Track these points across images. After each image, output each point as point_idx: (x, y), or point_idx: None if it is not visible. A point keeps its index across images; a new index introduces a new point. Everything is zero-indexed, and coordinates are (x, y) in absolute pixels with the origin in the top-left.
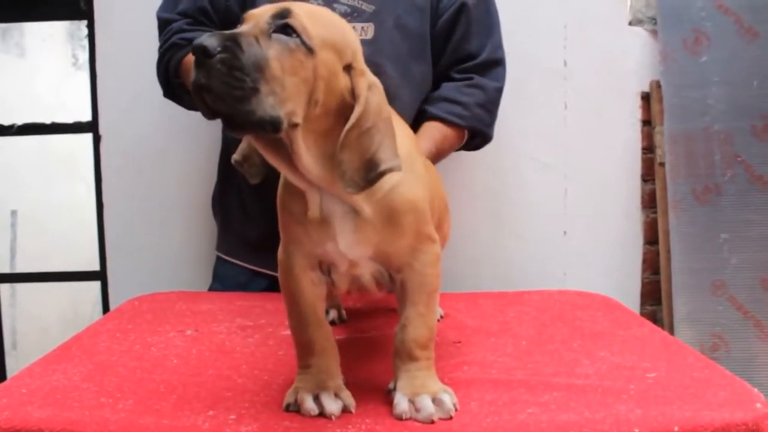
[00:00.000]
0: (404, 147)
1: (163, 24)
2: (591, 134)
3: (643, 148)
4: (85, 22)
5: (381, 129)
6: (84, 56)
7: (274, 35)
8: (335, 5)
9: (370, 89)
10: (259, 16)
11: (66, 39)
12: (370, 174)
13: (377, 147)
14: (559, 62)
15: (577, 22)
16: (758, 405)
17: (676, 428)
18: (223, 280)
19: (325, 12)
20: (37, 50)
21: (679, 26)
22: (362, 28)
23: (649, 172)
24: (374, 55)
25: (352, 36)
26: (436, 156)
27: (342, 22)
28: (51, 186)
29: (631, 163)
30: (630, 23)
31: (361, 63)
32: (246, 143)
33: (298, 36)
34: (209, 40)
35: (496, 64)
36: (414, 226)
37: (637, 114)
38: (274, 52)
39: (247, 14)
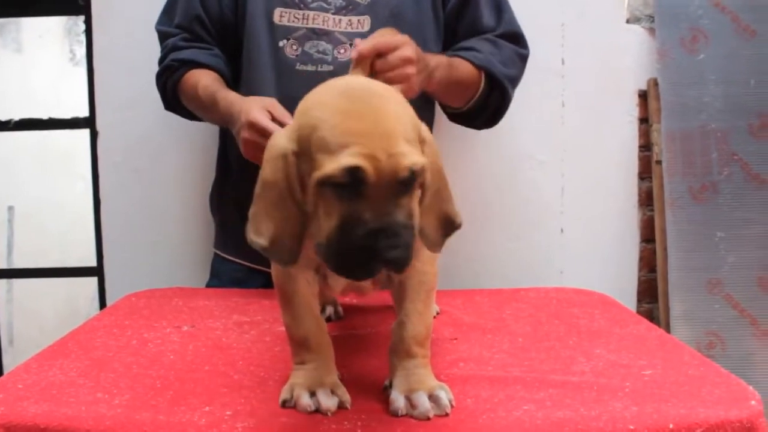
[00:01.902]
0: None
1: (162, 37)
2: (588, 132)
3: (640, 146)
4: (82, 18)
5: (444, 184)
6: (81, 52)
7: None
8: (330, 0)
9: (428, 147)
10: (392, 173)
11: (63, 34)
12: (448, 232)
13: (446, 204)
14: (556, 60)
15: (575, 21)
16: (753, 402)
17: (671, 425)
18: (221, 276)
19: (406, 113)
20: (34, 46)
21: (676, 24)
22: (358, 21)
23: (646, 170)
24: None
25: (413, 114)
26: (449, 70)
27: (409, 109)
28: (48, 182)
29: (628, 161)
30: (627, 21)
31: (421, 130)
32: (273, 226)
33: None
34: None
35: (515, 36)
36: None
37: (635, 112)
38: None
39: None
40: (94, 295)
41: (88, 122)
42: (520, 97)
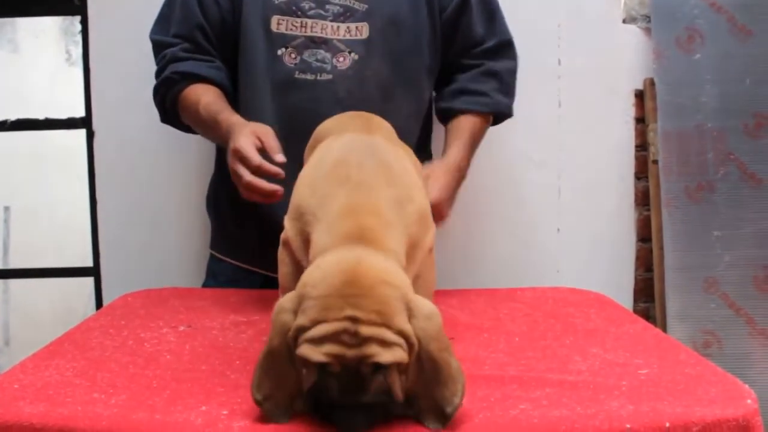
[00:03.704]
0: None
1: (158, 47)
2: (584, 132)
3: (637, 146)
4: (78, 18)
5: (442, 365)
6: (77, 52)
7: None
8: (328, 6)
9: (419, 323)
10: (356, 368)
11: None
12: (439, 418)
13: (439, 388)
14: (552, 60)
15: (571, 21)
16: (749, 401)
17: (667, 424)
18: (217, 277)
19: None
20: (30, 46)
21: (672, 24)
22: (356, 27)
23: (643, 169)
24: (369, 55)
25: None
26: (472, 146)
27: (399, 290)
28: (44, 182)
29: (625, 161)
30: (624, 21)
31: (413, 306)
32: (266, 377)
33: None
34: None
35: (506, 45)
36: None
37: (631, 112)
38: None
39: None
40: (91, 295)
41: (84, 122)
42: (516, 96)
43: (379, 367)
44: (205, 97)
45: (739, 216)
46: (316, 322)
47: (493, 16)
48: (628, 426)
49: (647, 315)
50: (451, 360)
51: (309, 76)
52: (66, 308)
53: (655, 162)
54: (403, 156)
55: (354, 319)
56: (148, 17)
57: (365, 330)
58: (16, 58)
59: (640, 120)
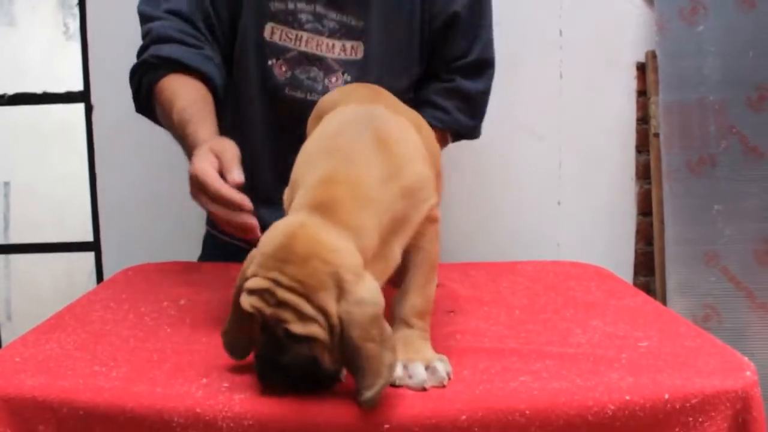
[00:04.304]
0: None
1: (144, 20)
2: (586, 104)
3: (638, 119)
4: None
5: (367, 349)
6: (75, 25)
7: None
8: (325, 21)
9: (348, 303)
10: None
11: (57, 7)
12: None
13: (360, 373)
14: (554, 32)
15: None
16: (748, 373)
17: (666, 395)
18: (212, 250)
19: None
20: (27, 19)
21: None
22: (351, 47)
23: (644, 142)
24: (364, 73)
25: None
26: None
27: (338, 261)
28: (43, 156)
29: (626, 134)
30: None
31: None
32: (232, 316)
33: None
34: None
35: (485, 64)
36: (425, 212)
37: (632, 84)
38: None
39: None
40: (92, 269)
41: (83, 96)
42: (517, 69)
43: (295, 336)
44: (183, 97)
45: (740, 190)
46: (252, 275)
47: (480, 32)
48: (627, 398)
49: (647, 288)
50: (382, 353)
51: (299, 94)
52: (67, 283)
53: (657, 135)
54: (404, 125)
55: (276, 282)
56: None
57: (282, 294)
58: (13, 31)
59: (642, 92)
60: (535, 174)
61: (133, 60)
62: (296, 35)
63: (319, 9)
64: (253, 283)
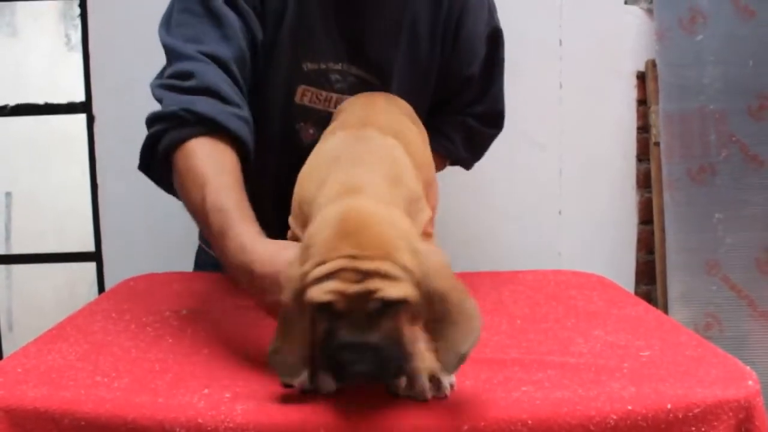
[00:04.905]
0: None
1: (173, 56)
2: (586, 114)
3: (639, 128)
4: (77, 2)
5: (451, 306)
6: (77, 36)
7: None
8: (349, 78)
9: (422, 263)
10: (362, 305)
11: (59, 18)
12: (453, 359)
13: (451, 327)
14: (554, 41)
15: (573, 1)
16: (750, 382)
17: (668, 405)
18: (203, 267)
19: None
20: (29, 30)
21: (675, 5)
22: None
23: (644, 151)
24: None
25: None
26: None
27: (402, 228)
28: (45, 167)
29: (626, 143)
30: (626, 2)
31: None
32: (280, 334)
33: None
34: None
35: (496, 114)
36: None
37: (633, 93)
38: (396, 328)
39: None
40: (93, 279)
41: (85, 107)
42: (517, 78)
43: (387, 305)
44: (218, 176)
45: (740, 198)
46: (317, 265)
47: (490, 90)
48: (629, 407)
49: (649, 297)
50: (465, 298)
51: None
52: (68, 293)
53: (657, 144)
54: (393, 145)
55: (353, 257)
56: (147, 0)
57: (366, 265)
58: (15, 42)
59: (642, 102)
60: (536, 183)
61: (134, 70)
62: (326, 96)
63: (345, 66)
64: (324, 269)
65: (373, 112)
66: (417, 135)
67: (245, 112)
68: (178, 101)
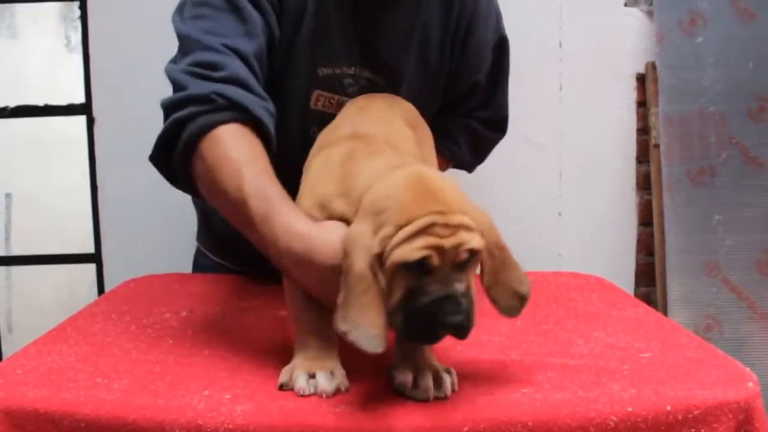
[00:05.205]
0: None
1: (192, 46)
2: (586, 115)
3: (638, 130)
4: (77, 3)
5: (505, 257)
6: (77, 38)
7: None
8: (360, 81)
9: (485, 225)
10: (453, 257)
11: (59, 20)
12: (518, 301)
13: (510, 273)
14: (554, 43)
15: (573, 3)
16: (750, 384)
17: (668, 407)
18: (202, 269)
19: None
20: (29, 31)
21: (674, 7)
22: None
23: (644, 153)
24: None
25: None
26: None
27: (463, 194)
28: (45, 169)
29: (626, 145)
30: (625, 4)
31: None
32: (351, 309)
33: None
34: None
35: (500, 120)
36: None
37: (632, 95)
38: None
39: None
40: (93, 281)
41: (85, 108)
42: (517, 80)
43: (472, 254)
44: (255, 162)
45: (740, 200)
46: (400, 227)
47: (495, 95)
48: (629, 409)
49: (648, 299)
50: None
51: None
52: (68, 294)
53: (657, 146)
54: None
55: (440, 212)
56: (147, 2)
57: (454, 218)
58: (15, 43)
59: (642, 103)
60: (535, 184)
61: (134, 72)
62: (338, 100)
63: (357, 70)
64: (413, 227)
65: (363, 122)
66: (412, 140)
67: (272, 106)
68: (208, 87)
